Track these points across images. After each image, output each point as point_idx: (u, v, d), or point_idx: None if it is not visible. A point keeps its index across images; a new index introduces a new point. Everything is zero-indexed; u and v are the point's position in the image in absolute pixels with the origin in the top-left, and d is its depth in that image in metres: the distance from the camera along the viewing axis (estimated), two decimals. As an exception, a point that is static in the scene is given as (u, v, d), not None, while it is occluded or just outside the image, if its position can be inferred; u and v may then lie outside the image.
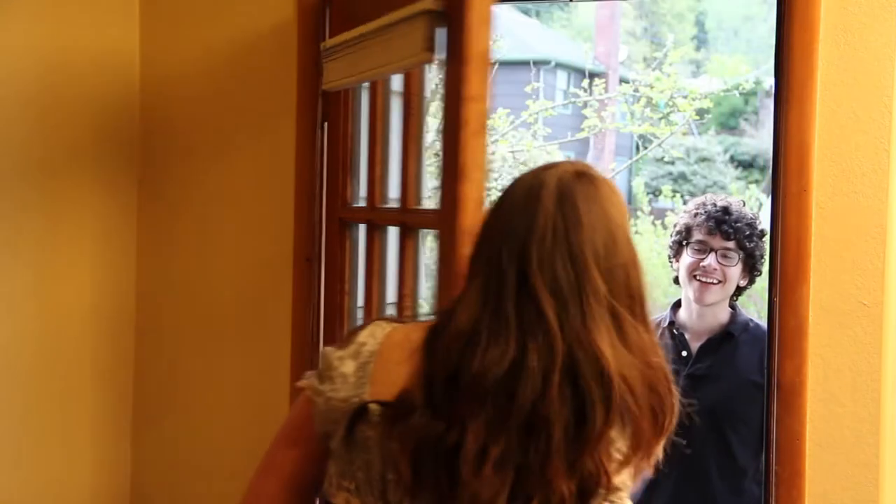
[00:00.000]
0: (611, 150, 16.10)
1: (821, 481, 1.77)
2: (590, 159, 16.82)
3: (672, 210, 8.20)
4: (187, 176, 2.35)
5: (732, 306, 2.51)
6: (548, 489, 1.11)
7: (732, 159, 17.95)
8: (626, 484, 1.17)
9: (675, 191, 9.54)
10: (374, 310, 1.90)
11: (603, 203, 1.21)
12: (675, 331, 2.52)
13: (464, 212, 1.50)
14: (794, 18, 1.77)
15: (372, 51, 1.83)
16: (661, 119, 5.95)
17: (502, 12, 15.93)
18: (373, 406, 1.20)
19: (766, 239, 2.30)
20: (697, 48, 21.85)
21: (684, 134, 7.62)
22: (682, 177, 16.93)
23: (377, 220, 1.92)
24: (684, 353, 2.48)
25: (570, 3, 2.82)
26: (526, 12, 19.41)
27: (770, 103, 1.98)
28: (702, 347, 2.47)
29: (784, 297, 1.78)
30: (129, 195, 2.36)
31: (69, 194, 2.25)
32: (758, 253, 2.43)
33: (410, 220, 1.78)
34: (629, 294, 1.19)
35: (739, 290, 2.49)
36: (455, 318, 1.18)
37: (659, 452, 1.21)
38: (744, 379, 2.37)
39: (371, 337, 1.27)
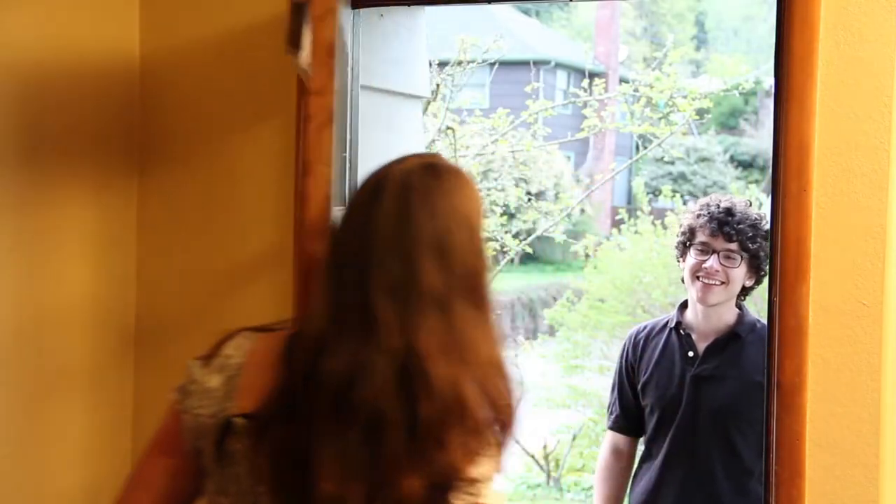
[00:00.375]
0: (611, 150, 16.12)
1: (821, 482, 1.77)
2: (590, 159, 16.84)
3: (672, 210, 8.17)
4: (188, 174, 2.34)
5: (739, 307, 2.50)
6: (394, 487, 1.11)
7: (732, 159, 17.97)
8: (486, 476, 1.17)
9: (675, 191, 9.50)
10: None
11: (447, 195, 1.19)
12: (682, 331, 2.51)
13: (306, 209, 1.43)
14: (794, 18, 1.77)
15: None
16: (660, 119, 5.93)
17: (500, 12, 15.88)
18: (237, 420, 1.19)
19: (771, 239, 2.29)
20: (697, 48, 21.86)
21: (684, 134, 7.59)
22: (682, 177, 16.95)
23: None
24: (691, 354, 2.48)
25: (570, 3, 2.82)
26: (526, 12, 19.43)
27: (770, 103, 1.98)
28: (708, 348, 2.47)
29: (784, 296, 1.78)
30: (129, 193, 2.35)
31: (68, 192, 2.25)
32: (762, 254, 2.42)
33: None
34: (469, 287, 1.17)
35: (745, 291, 2.48)
36: (307, 325, 1.18)
37: (507, 445, 1.20)
38: (750, 380, 2.36)
39: (237, 349, 1.26)
